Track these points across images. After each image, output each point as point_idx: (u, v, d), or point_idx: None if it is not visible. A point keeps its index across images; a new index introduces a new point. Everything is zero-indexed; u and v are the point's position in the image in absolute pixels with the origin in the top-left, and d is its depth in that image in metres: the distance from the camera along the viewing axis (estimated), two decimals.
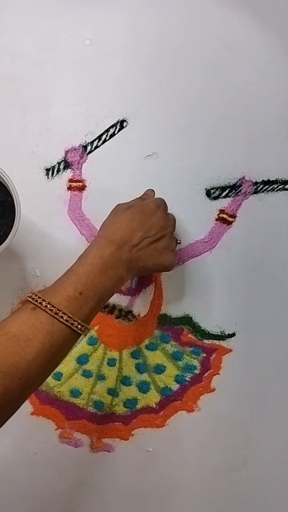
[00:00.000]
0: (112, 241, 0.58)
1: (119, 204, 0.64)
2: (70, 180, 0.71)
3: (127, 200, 0.66)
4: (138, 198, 0.67)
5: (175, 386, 0.73)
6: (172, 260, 0.64)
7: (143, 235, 0.60)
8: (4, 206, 0.63)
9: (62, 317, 0.51)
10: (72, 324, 0.52)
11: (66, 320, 0.51)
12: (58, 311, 0.51)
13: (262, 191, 0.71)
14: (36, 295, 0.52)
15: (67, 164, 0.71)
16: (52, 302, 0.52)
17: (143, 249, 0.60)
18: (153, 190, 0.69)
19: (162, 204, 0.65)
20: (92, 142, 0.71)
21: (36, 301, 0.52)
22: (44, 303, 0.51)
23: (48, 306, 0.51)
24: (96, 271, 0.55)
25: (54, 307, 0.51)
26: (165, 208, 0.65)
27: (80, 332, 0.52)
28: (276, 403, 0.73)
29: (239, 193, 0.71)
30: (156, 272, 0.71)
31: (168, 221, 0.64)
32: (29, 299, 0.52)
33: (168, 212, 0.67)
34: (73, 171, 0.71)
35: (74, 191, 0.71)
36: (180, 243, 0.69)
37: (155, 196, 0.68)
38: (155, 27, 0.71)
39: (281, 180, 0.71)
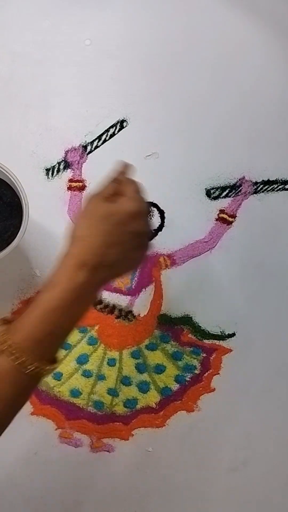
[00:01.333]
0: (84, 265, 0.48)
1: (95, 202, 0.52)
2: (70, 180, 0.71)
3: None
4: (110, 184, 0.54)
5: (175, 386, 0.73)
6: (141, 260, 0.56)
7: (121, 249, 0.50)
8: (11, 206, 0.63)
9: (28, 367, 0.46)
10: (37, 372, 0.46)
11: (32, 370, 0.46)
12: (24, 361, 0.45)
13: (262, 191, 0.71)
14: (1, 337, 0.46)
15: (67, 164, 0.71)
16: (17, 348, 0.46)
17: (117, 263, 0.51)
18: (127, 165, 0.57)
19: (144, 208, 0.54)
20: (92, 142, 0.71)
21: (2, 344, 0.46)
22: (9, 350, 0.46)
23: (14, 352, 0.45)
24: (66, 306, 0.47)
25: (20, 356, 0.45)
26: (147, 210, 0.56)
27: (47, 374, 0.48)
28: (276, 403, 0.73)
29: (239, 193, 0.71)
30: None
31: (147, 226, 0.54)
32: None
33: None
34: (73, 171, 0.71)
35: (74, 191, 0.71)
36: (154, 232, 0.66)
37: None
38: (155, 27, 0.71)
39: (281, 180, 0.71)
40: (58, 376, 0.72)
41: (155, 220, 0.71)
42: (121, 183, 0.54)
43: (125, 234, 0.51)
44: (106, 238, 0.50)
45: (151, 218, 0.60)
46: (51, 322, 0.47)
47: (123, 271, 0.53)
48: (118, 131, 0.71)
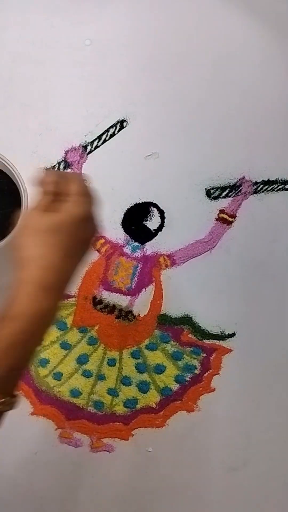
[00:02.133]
0: (49, 289, 0.44)
1: (34, 218, 0.46)
2: None
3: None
4: (45, 193, 0.48)
5: (175, 386, 0.73)
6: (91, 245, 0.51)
7: (77, 259, 0.47)
8: (9, 195, 0.63)
9: None
10: (2, 409, 0.43)
11: None
12: None
13: (262, 191, 0.71)
14: None
15: (67, 164, 0.71)
16: None
17: (76, 269, 0.47)
18: (47, 173, 0.49)
19: (89, 211, 0.48)
20: (92, 142, 0.71)
21: None
22: None
23: None
24: (31, 335, 0.43)
25: None
26: (94, 206, 0.49)
27: (9, 410, 0.44)
28: (276, 403, 0.73)
29: (239, 193, 0.71)
30: None
31: (96, 228, 0.49)
32: None
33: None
34: (73, 171, 0.71)
35: None
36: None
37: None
38: (155, 27, 0.71)
39: (281, 180, 0.71)
40: (58, 376, 0.72)
41: (155, 220, 0.71)
42: (59, 184, 0.47)
43: (77, 242, 0.46)
44: (60, 252, 0.45)
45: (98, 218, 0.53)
46: (13, 357, 0.43)
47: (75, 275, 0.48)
48: (118, 131, 0.71)
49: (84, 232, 0.47)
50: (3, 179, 0.63)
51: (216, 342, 0.72)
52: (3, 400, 0.42)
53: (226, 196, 0.71)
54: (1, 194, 0.63)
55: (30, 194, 0.61)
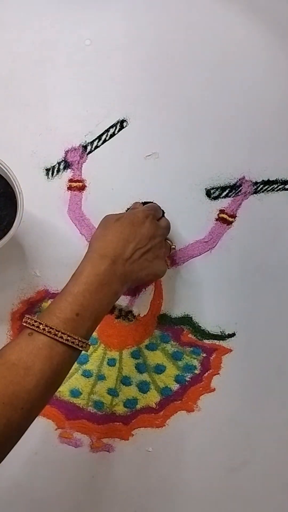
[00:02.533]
0: (105, 256, 0.57)
1: (107, 216, 0.63)
2: (70, 180, 0.71)
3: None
4: (127, 209, 0.67)
5: (175, 386, 0.73)
6: (163, 268, 0.64)
7: (135, 246, 0.59)
8: (5, 197, 0.63)
9: (61, 337, 0.50)
10: (73, 342, 0.51)
11: (66, 340, 0.50)
12: (57, 332, 0.50)
13: (262, 191, 0.71)
14: (32, 319, 0.51)
15: (67, 164, 0.71)
16: (49, 325, 0.50)
17: (135, 261, 0.59)
18: (141, 204, 0.68)
19: (150, 214, 0.63)
20: (92, 142, 0.71)
21: (33, 325, 0.50)
22: (41, 326, 0.50)
23: (46, 328, 0.50)
24: (92, 290, 0.54)
25: (53, 328, 0.50)
26: (154, 216, 0.64)
27: (81, 349, 0.52)
28: (276, 403, 0.73)
29: (239, 193, 0.71)
30: (148, 282, 0.71)
31: (157, 230, 0.63)
32: (25, 324, 0.51)
33: (166, 215, 0.67)
34: (73, 171, 0.71)
35: (74, 191, 0.71)
36: (174, 248, 0.69)
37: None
38: (155, 27, 0.71)
39: (281, 180, 0.71)
40: None
41: None
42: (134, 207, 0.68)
43: (137, 234, 0.60)
44: (120, 235, 0.59)
45: (167, 240, 0.68)
46: (78, 304, 0.53)
47: (143, 273, 0.61)
48: (118, 131, 0.71)
49: (144, 227, 0.61)
50: (1, 182, 0.63)
51: (216, 342, 0.72)
52: (72, 336, 0.51)
53: (226, 196, 0.71)
54: None
55: (25, 196, 0.61)
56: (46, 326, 0.50)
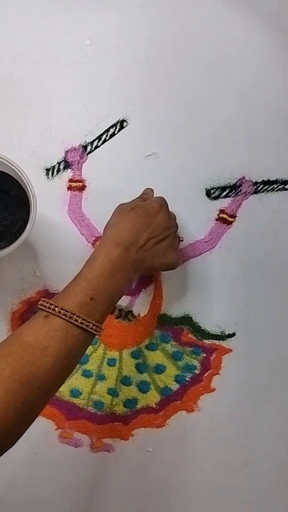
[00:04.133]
0: (119, 243, 0.58)
1: (121, 205, 0.64)
2: (70, 180, 0.71)
3: (126, 200, 0.66)
4: (137, 197, 0.67)
5: (175, 386, 0.73)
6: (176, 258, 0.65)
7: (149, 235, 0.60)
8: (18, 200, 0.64)
9: (76, 320, 0.51)
10: (87, 326, 0.52)
11: (81, 323, 0.52)
12: (72, 315, 0.51)
13: (262, 191, 0.71)
14: (48, 302, 0.52)
15: (67, 164, 0.71)
16: (65, 307, 0.52)
17: (148, 249, 0.60)
18: (151, 189, 0.69)
19: (164, 204, 0.65)
20: (92, 142, 0.71)
21: (49, 308, 0.52)
22: (57, 309, 0.51)
23: (62, 311, 0.51)
24: (105, 275, 0.55)
25: (68, 311, 0.51)
26: (168, 207, 0.65)
27: (95, 332, 0.53)
28: (276, 403, 0.73)
29: (239, 193, 0.71)
30: (160, 271, 0.71)
31: (171, 221, 0.65)
32: (40, 306, 0.52)
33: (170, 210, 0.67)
34: (73, 171, 0.71)
35: (74, 191, 0.71)
36: (182, 240, 0.70)
37: (155, 195, 0.68)
38: (156, 27, 0.71)
39: (281, 180, 0.71)
40: None
41: None
42: (144, 194, 0.68)
43: (151, 223, 0.61)
44: (135, 224, 0.60)
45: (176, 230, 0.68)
46: (92, 288, 0.54)
47: (155, 261, 0.62)
48: (118, 131, 0.71)
49: (158, 217, 0.62)
50: (13, 185, 0.63)
51: (216, 342, 0.72)
52: (86, 318, 0.52)
53: (226, 196, 0.71)
54: (11, 199, 0.64)
55: (38, 200, 0.61)
56: (62, 309, 0.51)
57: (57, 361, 0.50)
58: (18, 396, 0.47)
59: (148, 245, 0.60)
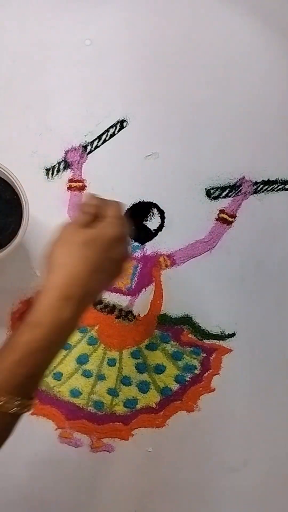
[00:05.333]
0: (70, 297, 0.45)
1: (69, 230, 0.50)
2: (70, 180, 0.71)
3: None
4: (86, 211, 0.51)
5: (175, 386, 0.73)
6: (123, 271, 0.54)
7: (103, 277, 0.49)
8: (11, 204, 0.64)
9: (8, 407, 0.43)
10: (19, 411, 0.44)
11: (13, 410, 0.44)
12: (4, 404, 0.43)
13: (262, 191, 0.71)
14: None
15: (67, 164, 0.71)
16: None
17: (99, 290, 0.51)
18: (94, 197, 0.53)
19: (124, 233, 0.52)
20: (92, 142, 0.71)
21: None
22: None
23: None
24: (51, 344, 0.45)
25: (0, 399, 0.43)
26: (127, 231, 0.53)
27: (26, 412, 0.45)
28: (276, 403, 0.73)
29: (239, 193, 0.71)
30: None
31: (128, 251, 0.53)
32: None
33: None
34: (73, 171, 0.71)
35: (74, 191, 0.71)
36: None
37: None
38: (155, 27, 0.71)
39: (281, 180, 0.71)
40: (58, 376, 0.72)
41: (155, 220, 0.71)
42: (99, 207, 0.51)
43: (106, 260, 0.48)
44: (89, 266, 0.47)
45: (130, 241, 0.60)
46: (32, 365, 0.44)
47: (105, 289, 0.53)
48: (118, 131, 0.71)
49: (114, 252, 0.49)
50: (6, 188, 0.64)
51: (216, 342, 0.72)
52: (19, 401, 0.43)
53: (226, 196, 0.71)
54: (3, 203, 0.64)
55: (31, 204, 0.61)
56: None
57: None
58: None
59: (101, 287, 0.50)
